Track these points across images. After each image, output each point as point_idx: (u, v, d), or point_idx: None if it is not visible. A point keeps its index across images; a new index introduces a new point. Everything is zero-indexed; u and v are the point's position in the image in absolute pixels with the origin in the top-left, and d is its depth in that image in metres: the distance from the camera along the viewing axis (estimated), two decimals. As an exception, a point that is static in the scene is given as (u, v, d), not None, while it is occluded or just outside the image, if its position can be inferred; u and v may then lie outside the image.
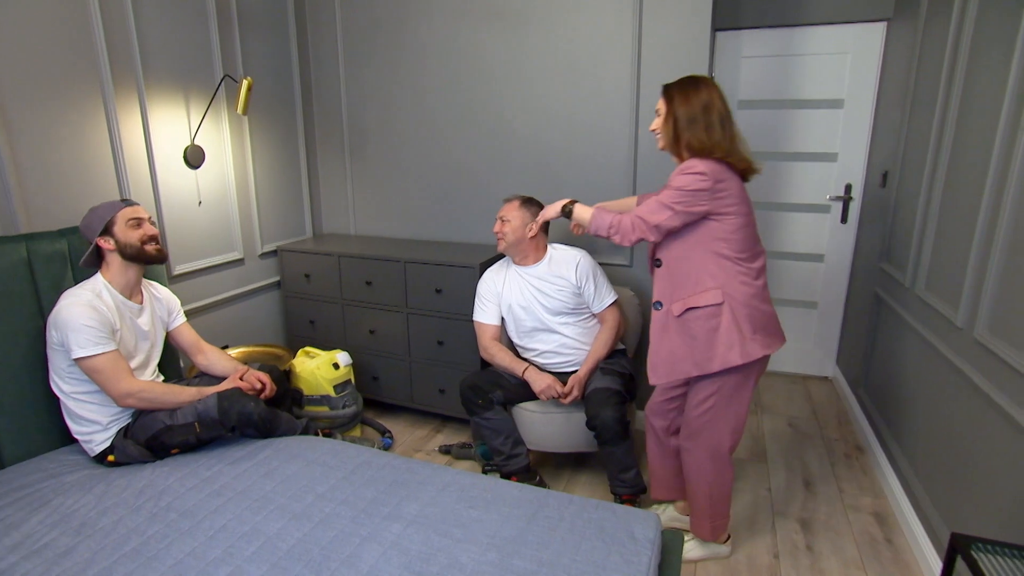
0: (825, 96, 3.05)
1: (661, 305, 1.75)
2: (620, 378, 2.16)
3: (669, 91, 1.68)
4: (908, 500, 2.09)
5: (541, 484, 2.24)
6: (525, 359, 2.31)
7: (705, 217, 1.63)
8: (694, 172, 1.58)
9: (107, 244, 1.81)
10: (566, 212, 1.86)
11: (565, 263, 2.23)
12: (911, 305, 2.23)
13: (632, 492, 2.09)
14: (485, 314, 2.31)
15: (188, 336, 2.06)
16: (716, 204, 1.60)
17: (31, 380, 1.78)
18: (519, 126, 2.74)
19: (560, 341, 2.24)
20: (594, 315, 2.28)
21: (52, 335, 1.72)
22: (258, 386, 1.95)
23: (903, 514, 2.08)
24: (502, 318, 2.32)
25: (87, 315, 1.69)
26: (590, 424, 2.03)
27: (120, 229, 1.81)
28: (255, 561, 1.33)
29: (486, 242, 2.94)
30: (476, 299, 2.34)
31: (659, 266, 1.75)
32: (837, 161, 3.11)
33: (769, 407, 3.07)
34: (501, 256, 2.76)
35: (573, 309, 2.23)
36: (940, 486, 1.85)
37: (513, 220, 2.19)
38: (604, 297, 2.24)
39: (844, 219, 3.15)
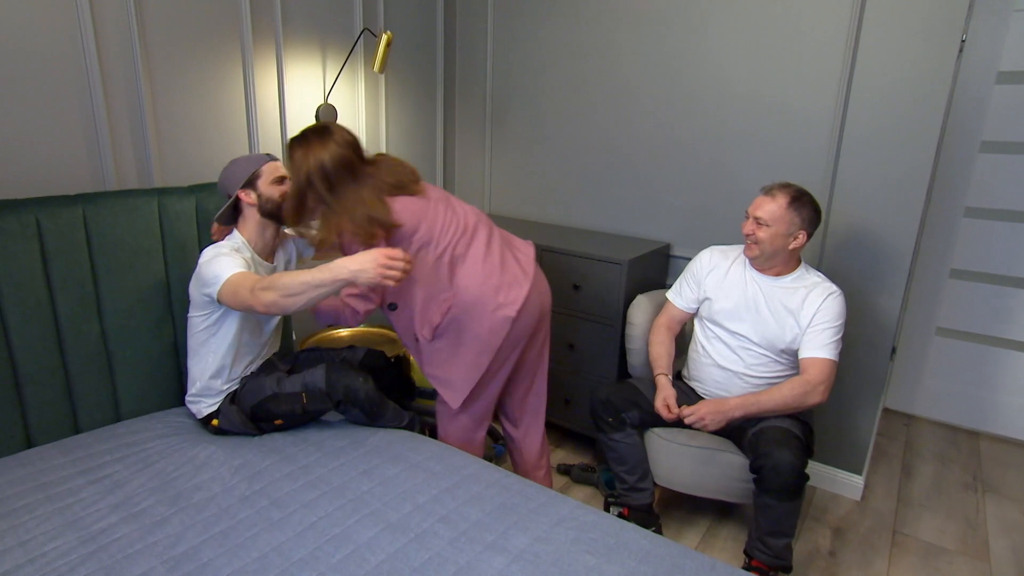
0: None
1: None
2: (801, 425, 1.83)
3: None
4: None
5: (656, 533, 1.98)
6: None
7: None
8: None
9: (248, 198, 1.82)
10: None
11: (814, 294, 1.84)
12: None
13: (771, 563, 1.74)
14: (679, 295, 2.11)
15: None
16: None
17: (153, 338, 1.88)
18: (688, 101, 2.46)
19: (749, 365, 1.95)
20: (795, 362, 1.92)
21: (194, 293, 1.75)
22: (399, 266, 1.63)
23: None
24: (697, 309, 2.09)
25: (229, 254, 1.70)
26: (755, 465, 1.72)
27: (264, 183, 1.81)
28: (340, 570, 1.25)
29: (639, 235, 2.70)
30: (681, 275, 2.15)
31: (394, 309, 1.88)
32: None
33: (997, 486, 2.49)
34: (657, 251, 2.51)
35: (781, 352, 1.90)
36: None
37: (776, 225, 1.81)
38: (821, 346, 1.80)
39: None
